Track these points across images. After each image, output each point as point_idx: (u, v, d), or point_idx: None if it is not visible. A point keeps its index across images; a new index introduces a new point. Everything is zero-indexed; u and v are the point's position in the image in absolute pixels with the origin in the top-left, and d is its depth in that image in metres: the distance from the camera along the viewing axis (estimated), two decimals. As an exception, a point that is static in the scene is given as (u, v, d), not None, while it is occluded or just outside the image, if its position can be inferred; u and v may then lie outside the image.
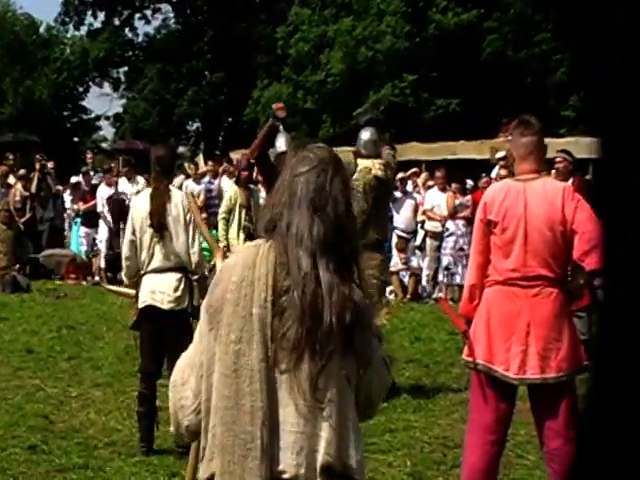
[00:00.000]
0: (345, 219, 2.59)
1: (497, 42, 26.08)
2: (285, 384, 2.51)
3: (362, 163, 8.42)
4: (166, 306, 6.59)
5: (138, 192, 16.43)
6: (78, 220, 17.39)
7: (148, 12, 41.62)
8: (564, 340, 4.93)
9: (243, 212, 11.59)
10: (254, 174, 12.83)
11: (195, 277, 6.87)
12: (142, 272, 6.68)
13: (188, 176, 17.08)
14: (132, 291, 6.96)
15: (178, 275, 6.66)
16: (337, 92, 27.58)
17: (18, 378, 8.94)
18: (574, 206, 4.92)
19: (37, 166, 17.76)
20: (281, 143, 9.64)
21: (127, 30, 41.69)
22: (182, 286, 6.66)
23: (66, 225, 18.76)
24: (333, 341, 2.49)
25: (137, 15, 41.46)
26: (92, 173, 18.98)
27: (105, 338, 10.99)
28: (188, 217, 6.68)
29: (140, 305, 6.64)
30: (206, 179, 17.20)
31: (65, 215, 18.69)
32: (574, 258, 4.97)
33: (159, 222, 6.59)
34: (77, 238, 17.39)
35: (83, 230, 17.17)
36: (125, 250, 6.85)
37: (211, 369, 2.59)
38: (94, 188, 17.35)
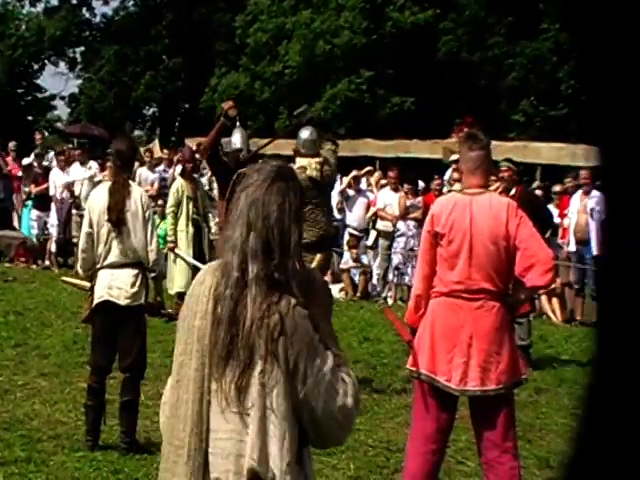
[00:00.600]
0: (274, 232, 2.64)
1: (452, 43, 26.33)
2: (214, 392, 2.61)
3: (299, 162, 8.46)
4: (123, 302, 6.59)
5: (91, 177, 16.60)
6: (30, 203, 17.22)
7: (107, -8, 41.16)
8: (504, 353, 5.04)
9: (190, 204, 11.64)
10: (199, 165, 12.92)
11: (152, 274, 6.89)
12: (98, 266, 6.65)
13: (142, 163, 16.98)
14: (88, 284, 6.98)
15: (135, 271, 6.65)
16: (294, 84, 27.59)
17: (-39, 364, 8.83)
18: (517, 222, 5.03)
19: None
20: (236, 140, 9.60)
21: (84, 10, 41.15)
22: (139, 282, 6.66)
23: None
24: (254, 347, 2.57)
25: (95, -6, 41.04)
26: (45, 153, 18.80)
27: (53, 326, 10.90)
28: (147, 214, 6.71)
29: (96, 300, 6.62)
30: (161, 167, 17.17)
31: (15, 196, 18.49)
32: (516, 273, 5.08)
33: (117, 217, 6.57)
34: (28, 221, 17.22)
35: (35, 213, 16.98)
36: (82, 242, 6.81)
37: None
38: (47, 170, 17.20)
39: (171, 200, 11.66)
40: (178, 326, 2.71)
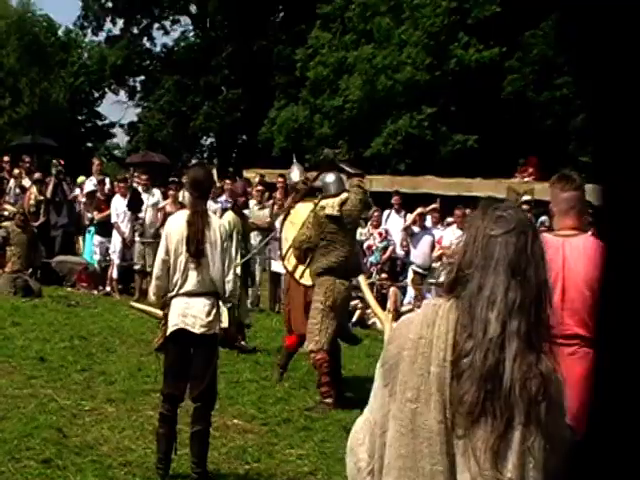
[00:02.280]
0: (545, 285, 2.49)
1: (518, 82, 26.08)
2: (461, 450, 2.42)
3: (322, 203, 9.34)
4: (198, 330, 6.56)
5: (154, 204, 16.73)
6: (92, 229, 17.40)
7: (167, 23, 41.76)
8: None
9: (240, 238, 11.76)
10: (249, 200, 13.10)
11: (227, 305, 6.89)
12: (173, 294, 6.64)
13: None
14: (160, 312, 6.98)
15: (210, 300, 6.62)
16: (354, 119, 27.60)
17: (31, 387, 8.93)
18: None
19: (53, 171, 17.79)
20: (295, 174, 10.52)
21: (145, 39, 41.80)
22: (214, 311, 6.63)
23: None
24: (513, 409, 2.40)
25: (156, 25, 41.57)
26: (107, 180, 19.01)
27: (117, 351, 10.98)
28: (225, 244, 6.72)
29: (170, 328, 6.61)
30: (223, 198, 17.22)
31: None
32: None
33: (197, 248, 6.56)
34: (90, 247, 17.40)
35: (97, 239, 17.18)
36: (157, 269, 6.78)
37: (385, 427, 2.52)
38: (109, 197, 17.38)
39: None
40: (401, 368, 2.49)
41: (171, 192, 17.27)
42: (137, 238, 16.60)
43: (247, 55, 35.53)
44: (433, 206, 16.48)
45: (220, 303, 6.82)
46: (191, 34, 41.14)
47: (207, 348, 6.65)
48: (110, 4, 40.75)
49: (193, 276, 6.59)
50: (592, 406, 2.44)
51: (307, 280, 9.88)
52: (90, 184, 18.37)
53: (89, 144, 41.38)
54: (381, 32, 28.16)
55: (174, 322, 6.60)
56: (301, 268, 9.90)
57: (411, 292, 15.05)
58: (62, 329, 12.12)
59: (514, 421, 2.38)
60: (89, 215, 17.54)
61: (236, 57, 36.34)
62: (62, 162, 18.69)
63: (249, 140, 36.00)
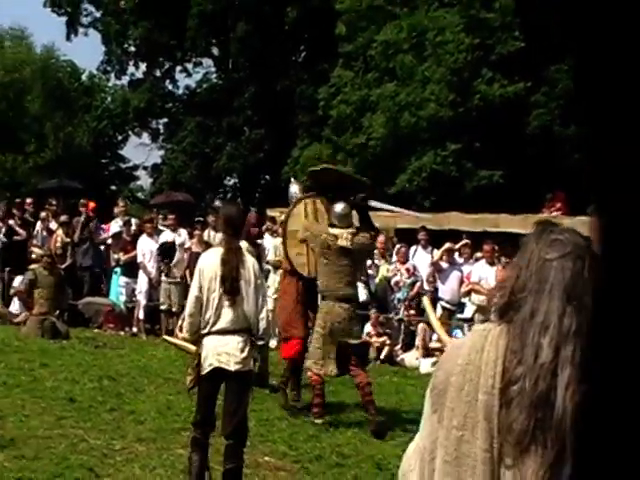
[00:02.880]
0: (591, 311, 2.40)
1: (544, 116, 25.92)
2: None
3: (333, 231, 9.85)
4: (232, 367, 6.58)
5: (181, 244, 16.80)
6: (118, 270, 17.48)
7: (189, 65, 42.10)
8: None
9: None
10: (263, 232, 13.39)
11: (260, 342, 6.88)
12: (205, 331, 6.65)
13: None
14: (193, 347, 6.96)
15: (244, 336, 6.66)
16: (378, 156, 27.63)
17: (61, 427, 8.96)
18: None
19: (83, 213, 17.97)
20: (294, 189, 11.22)
21: (167, 82, 42.14)
22: (248, 347, 6.66)
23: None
24: (565, 440, 2.30)
25: (178, 68, 41.94)
26: (133, 221, 19.11)
27: (146, 391, 10.99)
28: (259, 282, 6.77)
29: (206, 369, 6.61)
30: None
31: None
32: None
33: (232, 286, 6.59)
34: (117, 287, 17.47)
35: (123, 280, 17.26)
36: (190, 306, 6.80)
37: (433, 453, 2.47)
38: (135, 238, 17.46)
39: None
40: (448, 394, 2.44)
41: (197, 232, 17.35)
42: (163, 278, 16.64)
43: (269, 95, 35.75)
44: (464, 242, 16.37)
45: (253, 340, 6.82)
46: (213, 75, 41.48)
47: (241, 385, 6.67)
48: (133, 48, 41.18)
49: (227, 313, 6.63)
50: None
51: (302, 269, 10.55)
52: (116, 225, 18.50)
53: (113, 187, 41.70)
54: (404, 69, 28.20)
55: (209, 362, 6.60)
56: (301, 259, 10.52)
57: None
58: (90, 370, 12.15)
59: (565, 453, 2.29)
60: (115, 256, 17.62)
61: (258, 97, 36.58)
62: (92, 204, 18.85)
63: (272, 180, 36.12)
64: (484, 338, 2.44)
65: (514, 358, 2.37)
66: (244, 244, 11.84)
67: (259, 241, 13.04)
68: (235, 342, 6.60)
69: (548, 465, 2.29)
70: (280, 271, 13.35)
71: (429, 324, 15.24)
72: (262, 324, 6.79)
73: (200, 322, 6.69)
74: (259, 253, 12.26)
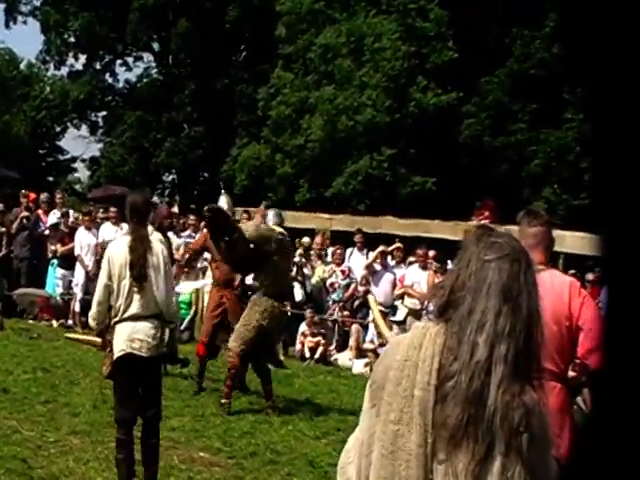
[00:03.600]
0: (536, 314, 2.50)
1: (474, 126, 26.46)
2: (442, 474, 2.41)
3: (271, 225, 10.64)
4: (145, 353, 6.71)
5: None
6: (55, 261, 17.36)
7: (130, 59, 41.71)
8: (565, 436, 4.91)
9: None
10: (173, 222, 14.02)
11: (171, 326, 7.09)
12: (117, 319, 6.75)
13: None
14: (96, 339, 7.10)
15: (155, 322, 6.78)
16: (316, 158, 27.82)
17: (-6, 418, 8.88)
18: (581, 302, 4.98)
19: (23, 204, 17.79)
20: (222, 203, 11.54)
21: (108, 75, 41.69)
22: (160, 333, 6.80)
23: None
24: (494, 437, 2.39)
25: (118, 61, 41.54)
26: (71, 212, 18.98)
27: (81, 384, 10.92)
28: (167, 267, 6.91)
29: (118, 354, 6.71)
30: (187, 232, 17.35)
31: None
32: (578, 354, 4.98)
33: (140, 273, 6.69)
34: (53, 279, 17.35)
35: (60, 272, 17.14)
36: (98, 295, 6.86)
37: (371, 447, 2.51)
38: (73, 230, 17.36)
39: None
40: (386, 389, 2.51)
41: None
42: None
43: (209, 93, 35.64)
44: (397, 245, 16.64)
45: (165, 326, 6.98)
46: (154, 71, 41.18)
47: (155, 370, 6.90)
48: (73, 39, 40.64)
49: (137, 300, 6.72)
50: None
51: None
52: (54, 217, 18.33)
53: (50, 178, 41.16)
54: (342, 73, 28.45)
55: (121, 347, 6.70)
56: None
57: (373, 329, 15.17)
58: (25, 361, 12.07)
59: (495, 449, 2.38)
60: (52, 247, 17.49)
61: (198, 95, 36.45)
62: (33, 195, 18.67)
63: (211, 177, 36.03)
64: (423, 335, 2.52)
65: (450, 355, 2.45)
66: (157, 235, 12.15)
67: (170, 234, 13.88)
68: (147, 328, 6.72)
69: (478, 459, 2.37)
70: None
71: (364, 325, 15.54)
72: (172, 309, 7.02)
73: (107, 310, 6.81)
74: (170, 245, 12.62)
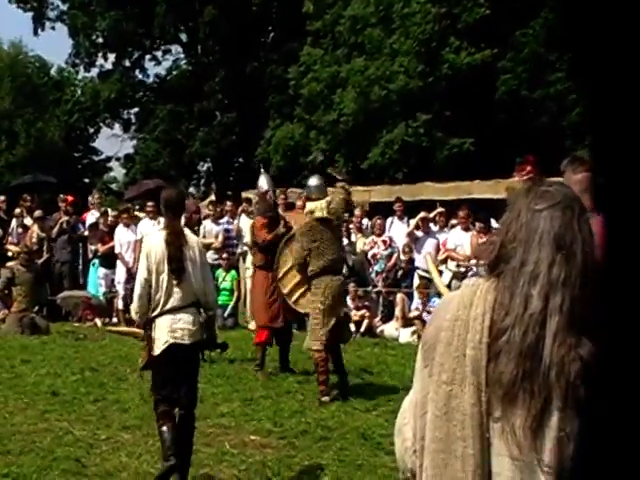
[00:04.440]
0: (591, 262, 2.42)
1: (511, 81, 26.08)
2: (499, 432, 2.37)
3: (309, 206, 10.17)
4: (188, 340, 6.79)
5: (160, 233, 16.74)
6: (96, 261, 17.42)
7: (158, 53, 41.94)
8: None
9: None
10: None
11: (210, 314, 7.16)
12: (157, 312, 6.80)
13: (206, 216, 17.17)
14: (139, 330, 7.11)
15: (194, 310, 6.89)
16: (350, 132, 27.66)
17: (45, 421, 8.93)
18: None
19: (62, 208, 17.89)
20: (262, 183, 11.62)
21: (137, 71, 41.95)
22: (199, 320, 6.91)
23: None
24: (551, 391, 2.32)
25: (147, 56, 41.75)
26: (109, 211, 19.04)
27: (129, 379, 10.96)
28: (203, 258, 7.07)
29: (162, 346, 6.76)
30: (225, 219, 17.27)
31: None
32: None
33: (178, 266, 6.78)
34: (95, 279, 17.42)
35: (101, 271, 17.21)
36: (139, 289, 6.94)
37: (425, 408, 2.48)
38: (112, 229, 17.40)
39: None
40: (438, 350, 2.46)
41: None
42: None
43: (240, 78, 35.67)
44: (439, 210, 16.41)
45: (202, 313, 7.06)
46: (183, 62, 41.32)
47: (195, 356, 6.98)
48: (101, 40, 40.91)
49: (176, 292, 6.81)
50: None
51: (302, 307, 10.64)
52: (92, 217, 18.42)
53: (86, 180, 41.51)
54: (372, 43, 28.25)
55: (164, 339, 6.76)
56: (298, 292, 10.62)
57: (417, 298, 14.99)
58: (72, 363, 12.14)
59: (552, 404, 2.31)
60: (92, 248, 17.56)
61: (229, 81, 36.50)
62: (71, 198, 18.74)
63: (246, 162, 36.09)
64: (473, 293, 2.44)
65: (502, 310, 2.37)
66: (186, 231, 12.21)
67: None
68: (187, 316, 6.80)
69: (535, 415, 2.30)
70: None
71: (408, 294, 15.37)
72: (210, 298, 7.07)
73: (149, 303, 6.84)
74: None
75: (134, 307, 7.09)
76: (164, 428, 6.83)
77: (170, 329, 6.72)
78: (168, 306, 6.76)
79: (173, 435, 6.77)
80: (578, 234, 2.40)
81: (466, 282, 2.56)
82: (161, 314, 6.76)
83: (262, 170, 12.90)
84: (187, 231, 7.19)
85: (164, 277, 6.75)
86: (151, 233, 7.50)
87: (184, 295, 6.79)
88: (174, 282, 6.76)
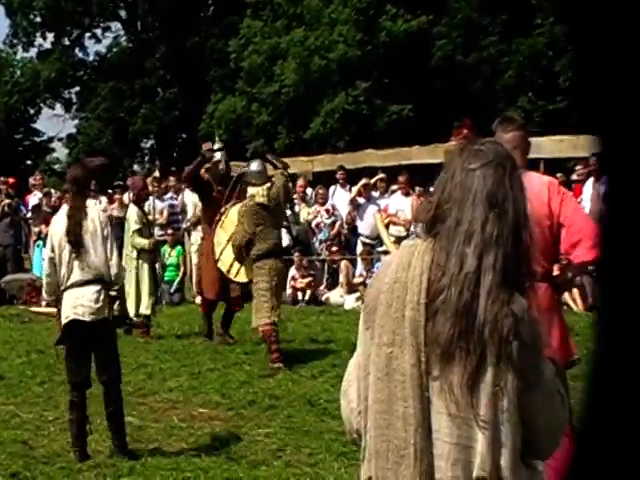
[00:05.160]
0: (523, 218, 2.48)
1: (446, 47, 26.35)
2: (437, 391, 2.42)
3: (250, 191, 10.39)
4: (88, 318, 6.84)
5: (102, 211, 16.63)
6: (40, 242, 17.24)
7: (98, 31, 41.27)
8: (554, 334, 4.98)
9: (148, 229, 12.80)
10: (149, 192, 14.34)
11: (115, 288, 7.17)
12: (62, 287, 6.91)
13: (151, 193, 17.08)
14: (53, 309, 7.26)
15: (97, 287, 6.91)
16: (292, 103, 27.69)
17: (-9, 406, 8.86)
18: (560, 199, 4.99)
19: (3, 191, 17.66)
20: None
21: (77, 50, 41.29)
22: (102, 297, 6.92)
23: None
24: (486, 348, 2.37)
25: (87, 34, 41.11)
26: (53, 192, 18.87)
27: (77, 358, 10.91)
28: (105, 231, 6.99)
29: (64, 321, 6.88)
30: (169, 195, 17.24)
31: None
32: (562, 251, 5.01)
33: (75, 239, 6.85)
34: (39, 261, 17.24)
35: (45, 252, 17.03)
36: (45, 267, 7.23)
37: (367, 370, 2.53)
38: (55, 210, 17.21)
39: (136, 225, 12.33)
40: (378, 312, 2.49)
41: (117, 196, 17.25)
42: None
43: (181, 53, 35.37)
44: (379, 176, 16.55)
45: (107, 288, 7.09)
46: (123, 39, 40.79)
47: (102, 333, 6.95)
48: (39, 19, 40.17)
49: (77, 267, 6.89)
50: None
51: (242, 277, 10.85)
52: (35, 198, 18.24)
53: (29, 162, 40.95)
54: (311, 13, 28.30)
55: (66, 314, 6.88)
56: (236, 266, 10.81)
57: (361, 264, 15.12)
58: (18, 345, 12.04)
59: (486, 360, 2.36)
60: (36, 229, 17.39)
61: (170, 57, 36.19)
62: (12, 180, 18.52)
63: (189, 138, 35.88)
64: (411, 254, 2.48)
65: (439, 270, 2.42)
66: (133, 208, 12.41)
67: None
68: (88, 293, 6.85)
69: (471, 372, 2.36)
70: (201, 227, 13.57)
71: (352, 261, 15.47)
72: (113, 270, 7.01)
73: (57, 281, 6.96)
74: (145, 215, 12.90)
75: (44, 285, 7.38)
76: (71, 417, 7.08)
77: (73, 304, 6.82)
78: (71, 280, 6.86)
79: (77, 429, 6.98)
80: (509, 192, 2.45)
81: (404, 243, 2.62)
82: (66, 289, 6.87)
83: (217, 144, 13.35)
84: (91, 206, 7.30)
85: (65, 253, 6.85)
86: (58, 213, 7.52)
87: (85, 269, 6.86)
88: (74, 256, 6.85)
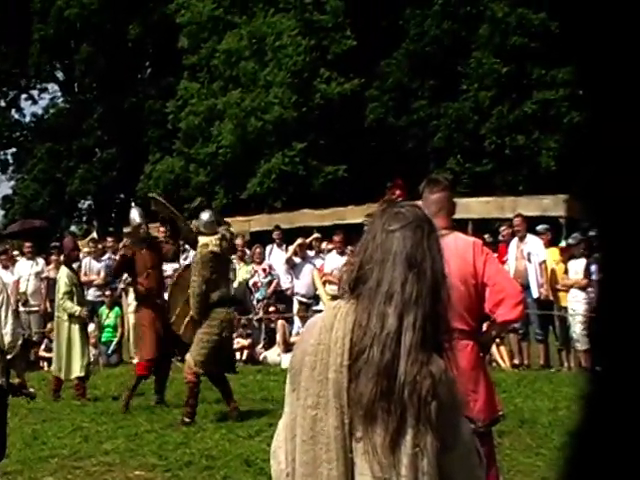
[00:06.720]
0: (442, 278, 2.51)
1: (378, 109, 27.11)
2: (361, 452, 2.44)
3: (202, 240, 10.31)
4: None
5: (37, 273, 16.57)
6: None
7: (35, 92, 41.19)
8: (480, 391, 5.07)
9: (78, 289, 12.73)
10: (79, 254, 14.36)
11: (9, 357, 6.97)
12: None
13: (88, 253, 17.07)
14: None
15: None
16: (229, 163, 27.95)
17: None
18: (484, 260, 5.11)
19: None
20: (135, 216, 11.84)
21: (14, 111, 41.10)
22: None
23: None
24: (406, 409, 2.41)
25: (23, 96, 41.00)
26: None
27: (10, 424, 10.72)
28: (1, 298, 6.85)
29: None
30: (106, 255, 17.24)
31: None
32: (486, 310, 5.13)
33: None
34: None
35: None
36: None
37: (294, 431, 2.55)
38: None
39: (65, 288, 12.32)
40: (303, 374, 2.54)
41: (53, 257, 17.19)
42: (21, 308, 16.38)
43: (118, 114, 35.37)
44: (315, 236, 16.73)
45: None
46: (60, 100, 40.68)
47: None
48: (-27, 80, 39.97)
49: None
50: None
51: (186, 338, 10.73)
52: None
53: (-36, 223, 40.41)
54: (247, 76, 28.70)
55: None
56: (184, 323, 10.78)
57: (298, 322, 15.23)
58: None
59: (407, 421, 2.40)
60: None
61: (107, 117, 36.16)
62: None
63: (127, 198, 35.77)
64: (334, 316, 2.52)
65: (361, 331, 2.45)
66: (63, 270, 12.54)
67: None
68: None
69: (392, 433, 2.39)
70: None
71: (289, 319, 15.56)
72: (7, 338, 6.89)
73: None
74: (76, 275, 12.99)
75: None
76: None
77: None
78: None
79: None
80: (427, 252, 2.50)
81: (328, 305, 2.72)
82: None
83: (133, 204, 13.29)
84: None
85: None
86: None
87: None
88: None
